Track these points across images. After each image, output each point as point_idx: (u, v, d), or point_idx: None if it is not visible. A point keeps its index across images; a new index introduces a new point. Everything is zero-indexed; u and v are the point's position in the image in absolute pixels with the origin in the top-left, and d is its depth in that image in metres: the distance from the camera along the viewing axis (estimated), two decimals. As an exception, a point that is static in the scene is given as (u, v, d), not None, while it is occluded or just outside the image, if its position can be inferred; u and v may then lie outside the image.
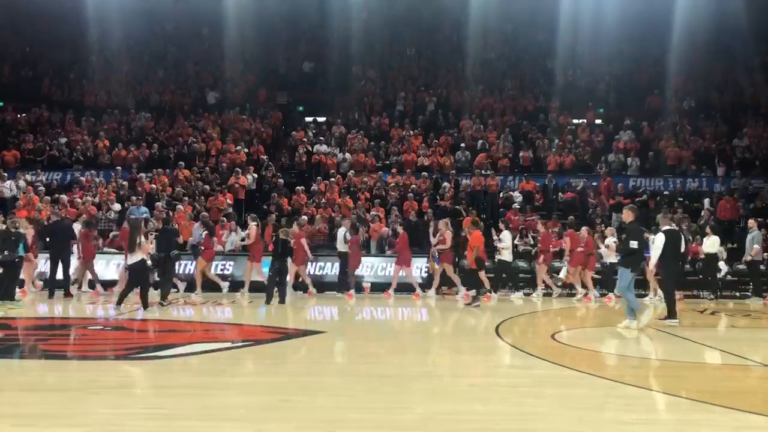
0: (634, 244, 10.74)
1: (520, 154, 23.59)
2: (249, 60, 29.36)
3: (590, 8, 25.51)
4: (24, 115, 26.00)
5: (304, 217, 18.56)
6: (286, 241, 14.79)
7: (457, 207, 19.81)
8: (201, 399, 5.94)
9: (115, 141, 23.93)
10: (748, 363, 8.27)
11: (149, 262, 12.65)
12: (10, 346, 9.23)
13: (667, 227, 11.79)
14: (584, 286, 16.36)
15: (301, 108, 27.64)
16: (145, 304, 12.43)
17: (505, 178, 22.60)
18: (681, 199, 20.95)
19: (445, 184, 21.47)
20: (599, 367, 7.75)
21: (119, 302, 12.38)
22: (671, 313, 11.52)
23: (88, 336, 10.14)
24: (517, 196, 21.34)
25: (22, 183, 20.77)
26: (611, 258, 15.67)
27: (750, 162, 23.12)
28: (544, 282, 16.77)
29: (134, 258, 12.32)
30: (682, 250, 12.03)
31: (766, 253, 16.93)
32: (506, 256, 16.30)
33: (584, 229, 16.64)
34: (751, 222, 17.14)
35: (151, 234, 13.32)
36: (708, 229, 17.10)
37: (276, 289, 14.39)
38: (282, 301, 14.30)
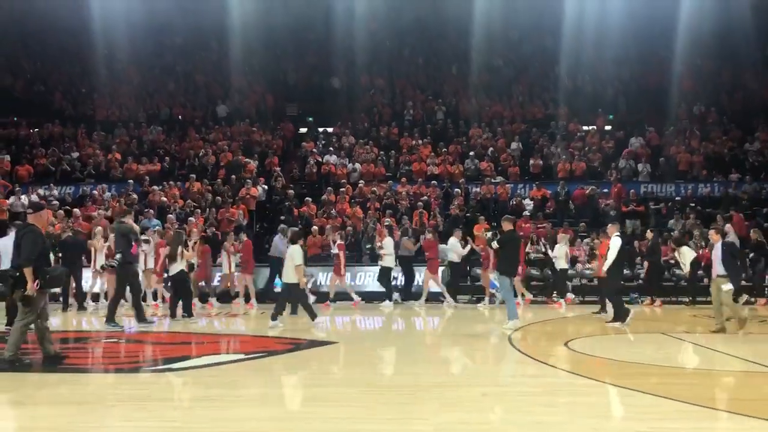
0: (494, 244, 11.90)
1: (530, 161, 23.53)
2: (258, 72, 29.55)
3: (596, 13, 25.48)
4: (36, 129, 26.25)
5: (315, 227, 18.64)
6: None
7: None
8: (213, 411, 5.96)
9: (127, 154, 24.10)
10: (764, 370, 8.19)
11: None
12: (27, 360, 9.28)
13: (617, 233, 12.43)
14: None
15: (310, 119, 27.73)
16: (190, 313, 12.97)
17: (515, 185, 22.56)
18: (693, 204, 20.81)
19: (456, 190, 21.48)
20: (613, 375, 7.71)
21: (172, 315, 12.84)
22: (617, 316, 12.02)
23: (103, 349, 10.19)
24: (528, 204, 21.29)
25: (35, 197, 20.93)
26: (561, 264, 16.28)
27: (762, 166, 22.91)
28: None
29: (175, 268, 12.80)
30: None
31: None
32: (388, 262, 16.11)
33: None
34: (728, 227, 16.96)
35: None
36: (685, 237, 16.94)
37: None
38: (293, 311, 14.33)
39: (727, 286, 10.89)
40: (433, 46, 31.11)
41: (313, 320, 11.88)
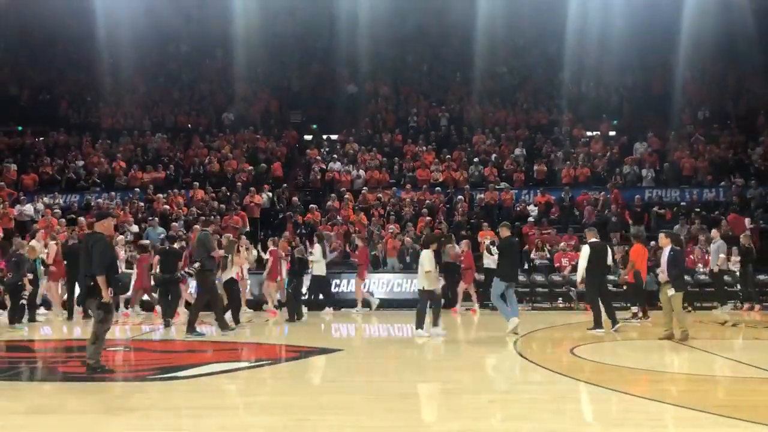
0: (495, 250, 12.27)
1: (534, 167, 23.51)
2: (262, 79, 29.65)
3: (600, 20, 25.50)
4: (42, 138, 26.33)
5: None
6: (303, 259, 14.92)
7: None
8: (219, 419, 5.95)
9: (132, 162, 24.16)
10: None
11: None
12: (30, 369, 9.31)
13: (593, 240, 12.44)
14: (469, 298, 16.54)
15: (314, 126, 27.78)
16: (237, 320, 13.02)
17: (519, 191, 22.53)
18: (698, 210, 20.74)
19: (460, 196, 21.48)
20: (619, 381, 7.67)
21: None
22: (597, 323, 11.97)
23: (107, 357, 10.18)
24: (532, 210, 21.25)
25: (40, 206, 21.01)
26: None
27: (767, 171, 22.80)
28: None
29: (226, 275, 12.98)
30: (609, 262, 12.64)
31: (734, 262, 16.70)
32: (318, 269, 15.98)
33: (464, 242, 16.62)
34: (714, 232, 16.96)
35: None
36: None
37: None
38: (299, 317, 14.38)
39: (671, 291, 10.72)
40: (437, 53, 31.18)
41: (436, 326, 11.61)
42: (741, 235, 17.03)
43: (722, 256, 16.22)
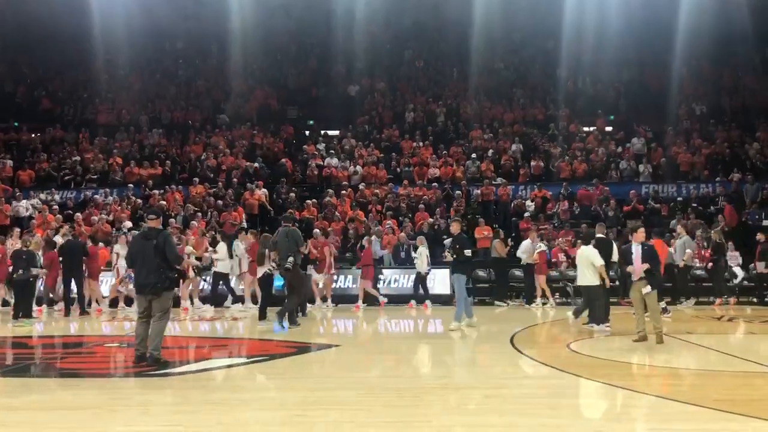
0: (468, 252, 12.09)
1: (531, 163, 23.53)
2: (258, 76, 29.61)
3: (597, 16, 25.50)
4: (38, 134, 26.28)
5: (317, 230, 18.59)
6: (305, 254, 14.93)
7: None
8: (217, 415, 5.96)
9: (128, 159, 24.11)
10: (766, 370, 8.17)
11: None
12: (27, 365, 9.30)
13: (600, 236, 12.51)
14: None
15: (311, 122, 27.75)
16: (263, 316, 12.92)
17: (516, 187, 22.56)
18: (695, 205, 20.78)
19: (458, 192, 21.50)
20: (616, 376, 7.69)
21: (262, 317, 12.70)
22: (592, 318, 11.93)
23: (104, 353, 10.19)
24: (529, 205, 21.27)
25: (36, 202, 20.96)
26: (423, 267, 16.19)
27: (763, 167, 22.84)
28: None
29: (261, 271, 13.12)
30: (614, 258, 12.39)
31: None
32: (221, 267, 15.98)
33: (365, 240, 16.87)
34: (680, 228, 17.01)
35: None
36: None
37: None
38: (303, 313, 14.41)
39: (647, 289, 10.25)
40: (434, 49, 31.20)
41: (598, 325, 11.47)
42: (712, 231, 17.10)
43: (689, 251, 16.26)
